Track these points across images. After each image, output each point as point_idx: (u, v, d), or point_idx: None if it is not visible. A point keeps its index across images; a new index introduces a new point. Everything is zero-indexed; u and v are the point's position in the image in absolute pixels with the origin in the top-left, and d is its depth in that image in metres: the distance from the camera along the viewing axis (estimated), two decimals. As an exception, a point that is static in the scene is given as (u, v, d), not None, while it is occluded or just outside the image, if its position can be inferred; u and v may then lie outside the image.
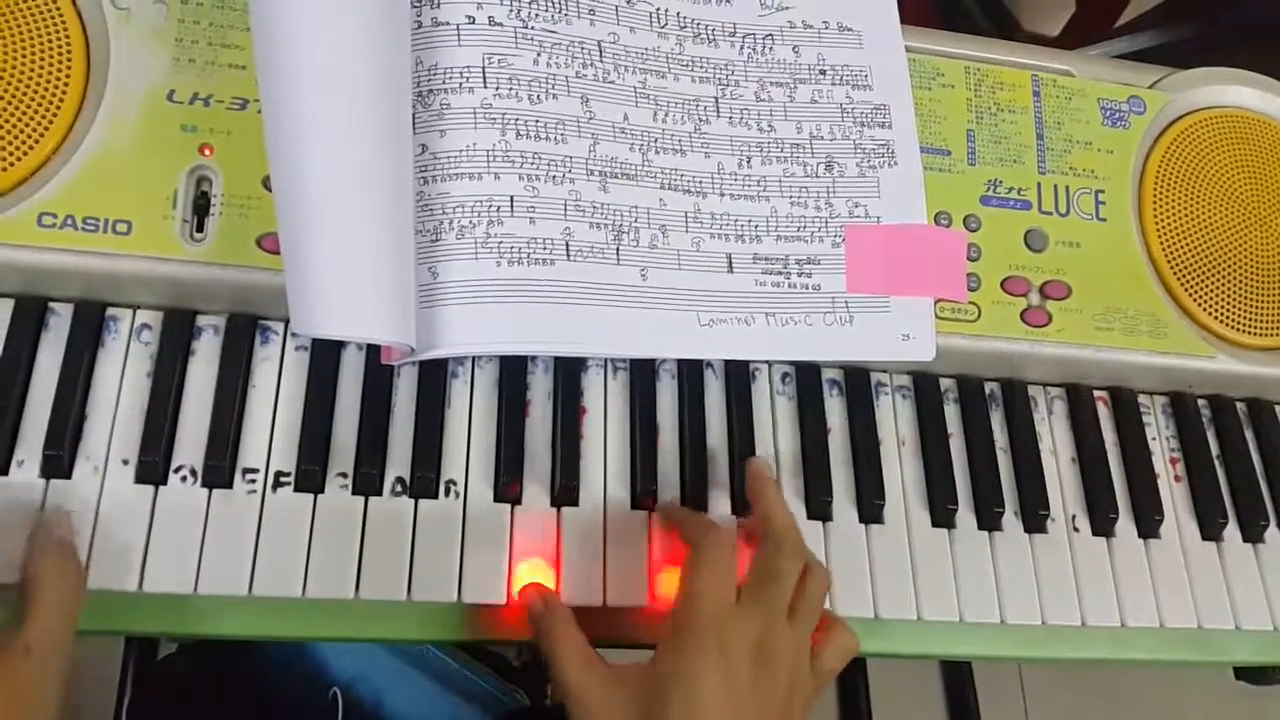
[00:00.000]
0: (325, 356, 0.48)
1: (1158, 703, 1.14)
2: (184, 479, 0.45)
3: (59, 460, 0.44)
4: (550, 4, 0.48)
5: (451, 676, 0.70)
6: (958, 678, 1.11)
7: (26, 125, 0.45)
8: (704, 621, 0.41)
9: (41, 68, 0.46)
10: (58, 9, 0.46)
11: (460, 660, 0.70)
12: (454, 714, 0.67)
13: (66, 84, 0.46)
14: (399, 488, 0.47)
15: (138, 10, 0.47)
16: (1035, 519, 0.53)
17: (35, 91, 0.45)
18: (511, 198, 0.46)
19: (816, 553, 0.49)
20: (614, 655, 0.44)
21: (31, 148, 0.45)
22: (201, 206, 0.46)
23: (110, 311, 0.47)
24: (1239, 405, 0.58)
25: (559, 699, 0.43)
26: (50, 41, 0.46)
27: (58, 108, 0.45)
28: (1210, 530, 0.55)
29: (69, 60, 0.46)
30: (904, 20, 0.55)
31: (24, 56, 0.45)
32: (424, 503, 0.47)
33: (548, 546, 0.47)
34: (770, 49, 0.52)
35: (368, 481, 0.46)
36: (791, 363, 0.53)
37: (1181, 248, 0.57)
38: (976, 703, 1.10)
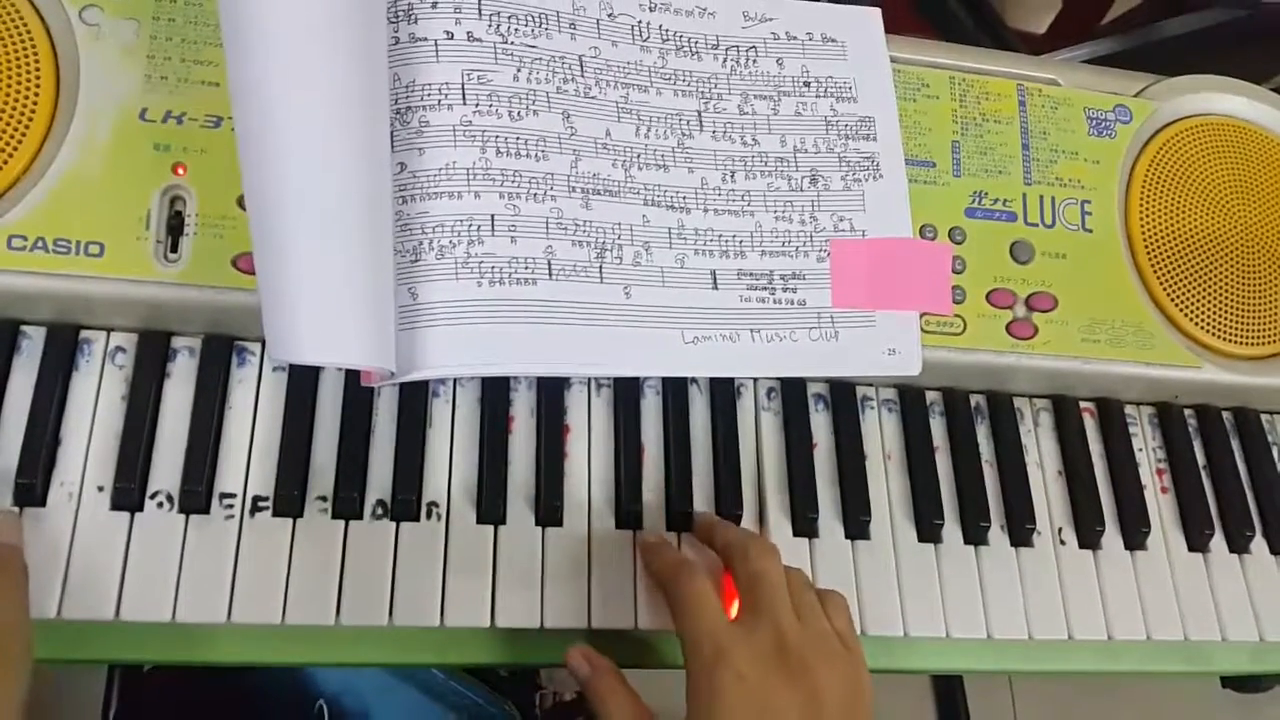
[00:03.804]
0: (303, 378, 0.47)
1: (1148, 700, 1.14)
2: (160, 505, 0.44)
3: (32, 489, 0.43)
4: (530, 19, 0.48)
5: (438, 688, 0.70)
6: (947, 678, 1.11)
7: (-6, 146, 0.44)
8: (708, 660, 0.41)
9: (8, 88, 0.44)
10: (25, 27, 0.45)
11: (447, 671, 0.70)
12: (441, 727, 0.67)
13: (35, 104, 0.45)
14: (380, 510, 0.46)
15: (108, 27, 0.46)
16: (1021, 532, 0.52)
17: (2, 112, 0.44)
18: (492, 216, 0.46)
19: (802, 570, 0.49)
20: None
21: (-1, 169, 0.44)
22: (175, 227, 0.45)
23: (84, 334, 0.46)
24: (1225, 415, 0.58)
25: None
26: (17, 60, 0.45)
27: (26, 128, 0.44)
28: (1197, 542, 0.55)
29: (37, 79, 0.45)
30: (886, 19, 0.54)
31: (-9, 75, 0.44)
32: (405, 525, 0.46)
33: (532, 568, 0.47)
34: (754, 61, 0.52)
35: (348, 504, 0.45)
36: (777, 378, 0.52)
37: (1167, 258, 0.57)
38: (965, 702, 1.10)
